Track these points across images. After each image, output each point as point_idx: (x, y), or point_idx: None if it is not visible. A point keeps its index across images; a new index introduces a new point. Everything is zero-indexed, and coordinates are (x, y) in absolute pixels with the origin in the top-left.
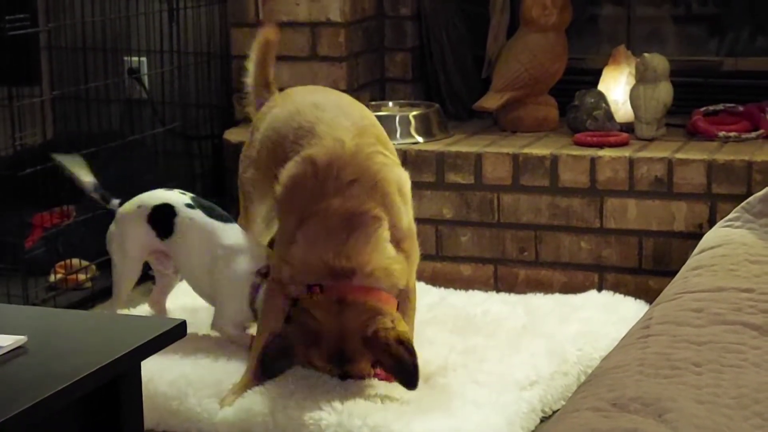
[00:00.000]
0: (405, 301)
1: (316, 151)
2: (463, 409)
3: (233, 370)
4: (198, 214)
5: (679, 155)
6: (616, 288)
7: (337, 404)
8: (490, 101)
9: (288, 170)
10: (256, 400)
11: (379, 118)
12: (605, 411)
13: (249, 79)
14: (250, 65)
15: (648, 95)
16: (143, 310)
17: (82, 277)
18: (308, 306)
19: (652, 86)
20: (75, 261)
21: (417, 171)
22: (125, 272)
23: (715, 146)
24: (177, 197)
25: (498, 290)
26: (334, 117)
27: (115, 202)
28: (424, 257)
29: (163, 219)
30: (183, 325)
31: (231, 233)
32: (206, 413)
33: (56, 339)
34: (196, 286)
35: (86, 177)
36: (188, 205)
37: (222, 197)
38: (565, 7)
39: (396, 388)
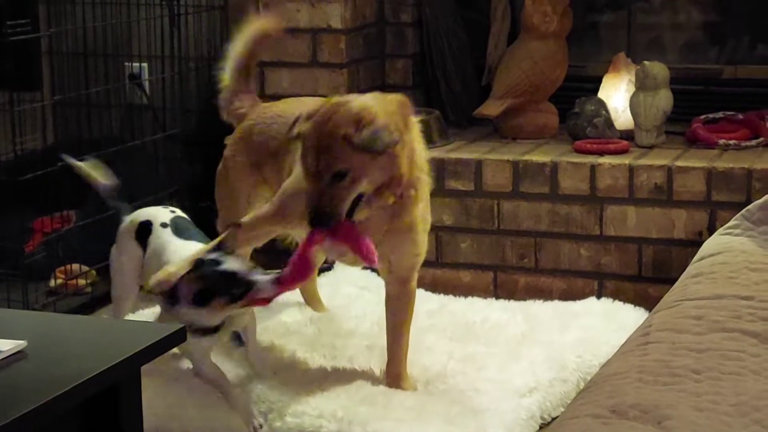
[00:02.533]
0: (404, 304)
1: None
2: (463, 417)
3: (233, 373)
4: (165, 233)
5: (679, 163)
6: (616, 295)
7: (337, 411)
8: (491, 108)
9: None
10: (255, 406)
11: None
12: (604, 418)
13: (232, 75)
14: (234, 59)
15: (648, 103)
16: (144, 315)
17: (82, 282)
18: None
19: (652, 94)
20: (75, 266)
21: None
22: (121, 290)
23: (715, 154)
24: (159, 214)
25: (498, 297)
26: None
27: (126, 207)
28: (425, 264)
29: (145, 236)
30: (183, 330)
31: (179, 249)
32: (205, 418)
33: (56, 344)
34: None
35: (101, 179)
36: (163, 224)
37: None
38: (565, 14)
39: (396, 395)
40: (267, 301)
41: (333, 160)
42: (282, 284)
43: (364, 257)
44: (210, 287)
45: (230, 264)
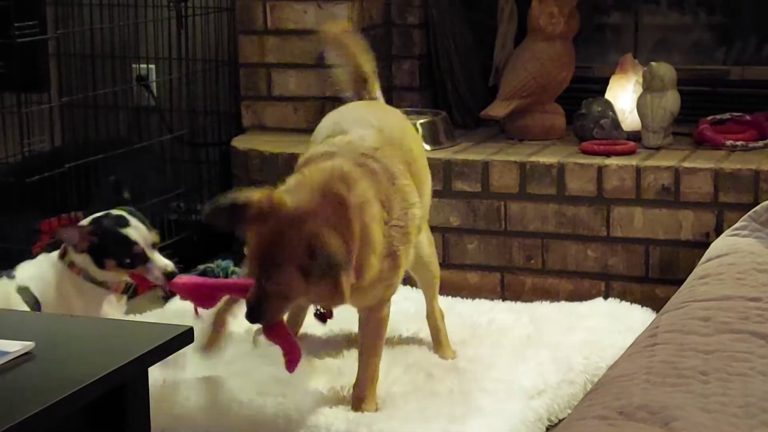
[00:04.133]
0: (373, 330)
1: None
2: (469, 418)
3: (238, 372)
4: None
5: (686, 164)
6: (623, 296)
7: (347, 412)
8: (498, 109)
9: None
10: (265, 404)
11: None
12: (611, 419)
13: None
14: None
15: (655, 104)
16: (150, 316)
17: None
18: None
19: (659, 95)
20: None
21: None
22: None
23: (722, 155)
24: None
25: (504, 298)
26: None
27: None
28: None
29: None
30: (190, 331)
31: None
32: (213, 418)
33: (63, 345)
34: None
35: None
36: None
37: None
38: (572, 15)
39: (403, 395)
40: (149, 286)
41: (277, 282)
42: (173, 284)
43: (288, 361)
44: (103, 245)
45: (134, 232)
